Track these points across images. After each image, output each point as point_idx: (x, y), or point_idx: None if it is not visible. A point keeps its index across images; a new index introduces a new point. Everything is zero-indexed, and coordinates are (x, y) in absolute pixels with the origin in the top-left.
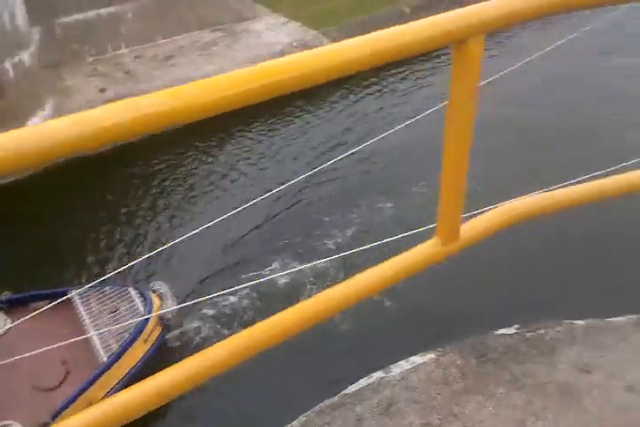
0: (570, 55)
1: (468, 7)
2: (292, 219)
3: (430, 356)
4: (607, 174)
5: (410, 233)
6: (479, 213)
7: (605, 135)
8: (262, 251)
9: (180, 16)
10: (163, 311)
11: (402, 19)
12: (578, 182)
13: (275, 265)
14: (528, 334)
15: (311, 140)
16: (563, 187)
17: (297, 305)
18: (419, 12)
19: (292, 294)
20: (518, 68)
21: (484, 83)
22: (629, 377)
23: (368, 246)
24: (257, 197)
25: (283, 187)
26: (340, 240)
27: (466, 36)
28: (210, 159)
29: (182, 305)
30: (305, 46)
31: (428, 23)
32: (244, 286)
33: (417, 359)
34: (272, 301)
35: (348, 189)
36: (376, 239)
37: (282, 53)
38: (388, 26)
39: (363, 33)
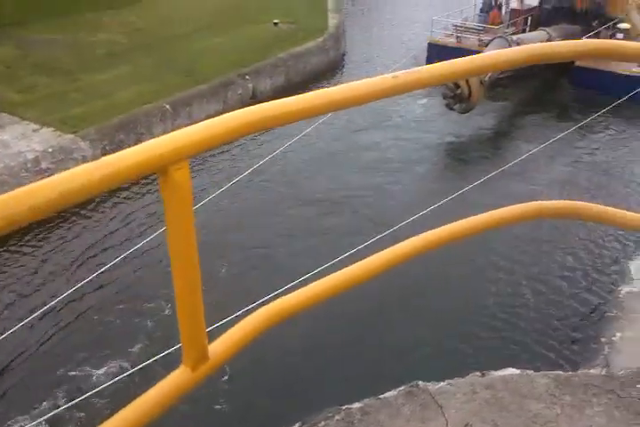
0: (329, 135)
1: (168, 134)
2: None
3: None
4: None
5: (159, 356)
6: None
7: (369, 204)
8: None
9: None
10: None
11: (163, 116)
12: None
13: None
14: None
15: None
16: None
17: None
18: (178, 109)
19: None
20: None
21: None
22: None
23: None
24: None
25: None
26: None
27: (168, 162)
28: None
29: None
30: (62, 151)
31: (131, 152)
32: None
33: None
34: None
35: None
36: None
37: (36, 161)
38: (150, 124)
39: (123, 132)
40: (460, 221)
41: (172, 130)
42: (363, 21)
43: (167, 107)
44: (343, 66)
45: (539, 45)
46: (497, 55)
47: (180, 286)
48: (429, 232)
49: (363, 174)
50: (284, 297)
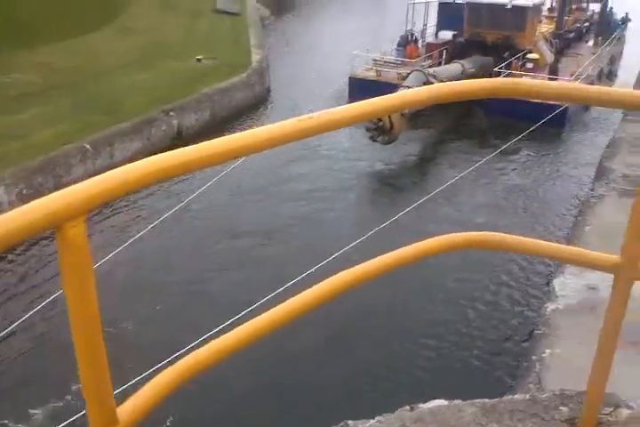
0: (258, 169)
1: (62, 190)
2: None
3: None
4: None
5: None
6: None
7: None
8: None
9: None
10: None
11: (83, 157)
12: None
13: None
14: None
15: None
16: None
17: None
18: (99, 149)
19: None
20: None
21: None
22: None
23: None
24: None
25: None
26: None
27: (62, 219)
28: None
29: None
30: None
31: (21, 211)
32: None
33: None
34: None
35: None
36: None
37: None
38: (69, 165)
39: (41, 175)
40: (389, 253)
41: (94, 171)
42: (286, 56)
43: (87, 146)
44: (269, 100)
45: (449, 84)
46: (410, 94)
47: (81, 348)
48: (357, 267)
49: (294, 204)
50: (197, 350)
